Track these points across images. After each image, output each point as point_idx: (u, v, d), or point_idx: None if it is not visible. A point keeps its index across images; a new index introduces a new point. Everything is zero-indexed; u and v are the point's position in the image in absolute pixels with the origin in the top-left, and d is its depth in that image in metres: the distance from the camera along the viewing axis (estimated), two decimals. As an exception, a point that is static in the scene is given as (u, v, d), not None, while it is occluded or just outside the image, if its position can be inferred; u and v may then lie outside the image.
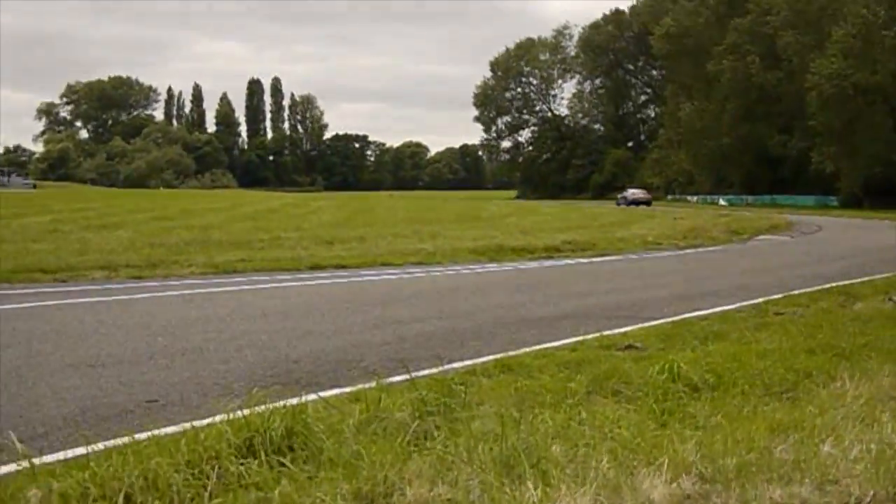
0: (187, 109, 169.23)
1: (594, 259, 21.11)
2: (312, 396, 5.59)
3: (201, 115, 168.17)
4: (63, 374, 7.25)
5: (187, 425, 4.84)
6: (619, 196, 77.51)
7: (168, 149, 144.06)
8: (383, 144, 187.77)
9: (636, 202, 70.99)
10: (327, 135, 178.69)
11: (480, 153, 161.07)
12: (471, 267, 18.50)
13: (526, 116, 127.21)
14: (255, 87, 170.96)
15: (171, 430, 5.23)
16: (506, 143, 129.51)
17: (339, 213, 40.96)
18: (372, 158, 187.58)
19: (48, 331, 9.34)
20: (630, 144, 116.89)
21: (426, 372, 7.06)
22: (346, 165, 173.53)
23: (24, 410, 6.13)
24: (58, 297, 12.34)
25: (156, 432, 4.72)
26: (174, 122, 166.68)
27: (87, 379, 7.10)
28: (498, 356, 7.86)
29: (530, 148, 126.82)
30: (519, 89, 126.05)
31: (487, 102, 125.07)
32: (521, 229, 29.31)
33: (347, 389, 6.51)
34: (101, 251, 18.19)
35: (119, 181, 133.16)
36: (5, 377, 7.10)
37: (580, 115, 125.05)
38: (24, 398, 6.46)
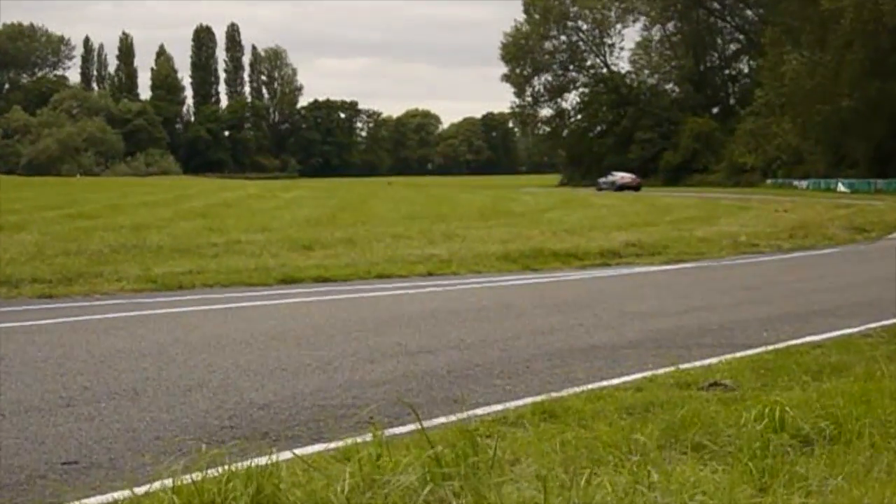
0: (112, 68, 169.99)
1: (666, 266, 21.12)
2: (287, 455, 5.62)
3: (131, 76, 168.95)
4: (-51, 428, 7.31)
5: (118, 495, 4.89)
6: (601, 180, 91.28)
7: (86, 122, 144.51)
8: (379, 114, 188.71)
9: (625, 187, 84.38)
10: (302, 102, 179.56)
11: (511, 124, 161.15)
12: (498, 278, 18.53)
13: (573, 74, 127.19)
14: (204, 38, 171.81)
15: (95, 501, 5.28)
16: (545, 111, 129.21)
17: (320, 208, 41.13)
18: (363, 133, 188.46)
19: (-72, 369, 9.42)
20: (715, 111, 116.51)
21: (440, 420, 7.09)
22: (328, 143, 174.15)
23: None
24: (-60, 323, 12.43)
25: (76, 504, 4.77)
26: (94, 85, 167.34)
27: (-18, 433, 7.16)
28: (537, 399, 7.87)
29: (578, 117, 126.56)
30: (563, 37, 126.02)
31: (520, 56, 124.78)
32: (567, 227, 29.36)
33: (334, 445, 6.54)
34: (-2, 261, 18.29)
35: (20, 166, 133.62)
36: None
37: (647, 71, 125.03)
38: None
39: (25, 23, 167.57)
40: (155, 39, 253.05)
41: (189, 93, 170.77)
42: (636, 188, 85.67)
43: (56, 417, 7.64)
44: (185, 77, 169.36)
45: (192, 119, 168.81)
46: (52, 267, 17.63)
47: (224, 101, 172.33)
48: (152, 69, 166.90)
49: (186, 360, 9.96)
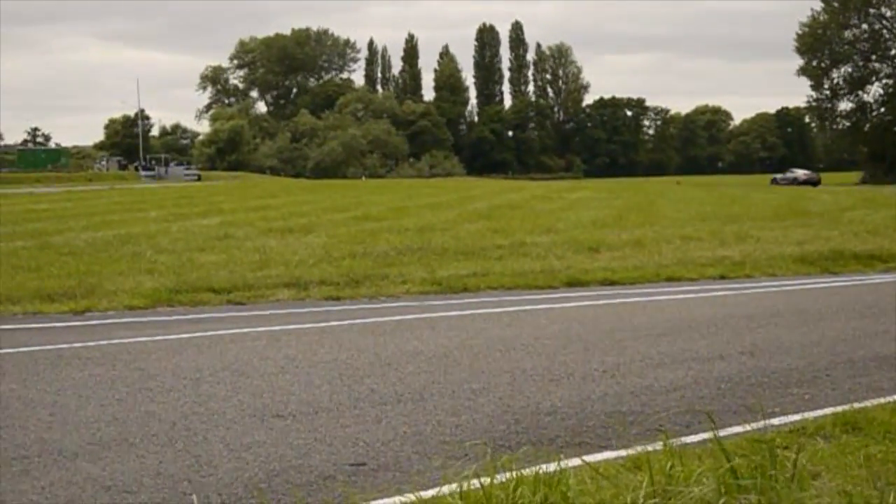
0: (396, 70, 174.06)
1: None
2: (575, 462, 5.63)
3: (415, 77, 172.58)
4: (241, 427, 7.65)
5: (405, 498, 4.99)
6: (778, 177, 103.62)
7: (371, 124, 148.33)
8: (667, 111, 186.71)
9: (806, 182, 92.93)
10: (587, 100, 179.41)
11: (807, 119, 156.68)
12: (794, 281, 18.09)
13: (875, 65, 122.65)
14: (487, 37, 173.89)
15: (382, 503, 5.41)
16: (844, 105, 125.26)
17: (606, 209, 40.99)
18: (650, 131, 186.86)
19: (221, 368, 9.89)
20: None
21: (734, 430, 6.99)
22: (614, 142, 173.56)
23: (194, 473, 6.52)
24: (232, 324, 13.02)
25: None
26: (378, 87, 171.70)
27: (274, 433, 7.46)
28: (838, 409, 7.69)
29: (882, 110, 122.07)
30: (865, 26, 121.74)
31: (818, 47, 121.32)
32: (870, 228, 28.34)
33: (623, 453, 6.52)
34: (287, 263, 19.02)
35: (307, 169, 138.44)
36: (169, 428, 7.58)
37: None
38: (192, 457, 6.87)
39: (313, 28, 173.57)
40: (438, 40, 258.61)
41: (472, 93, 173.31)
42: (815, 183, 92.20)
43: (344, 419, 7.88)
44: (468, 77, 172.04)
45: (476, 119, 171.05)
46: (339, 269, 18.20)
47: (508, 101, 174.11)
48: (435, 70, 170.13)
49: (472, 363, 10.11)
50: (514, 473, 4.89)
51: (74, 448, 7.09)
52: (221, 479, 6.41)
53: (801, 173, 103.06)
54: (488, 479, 4.80)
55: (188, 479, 6.40)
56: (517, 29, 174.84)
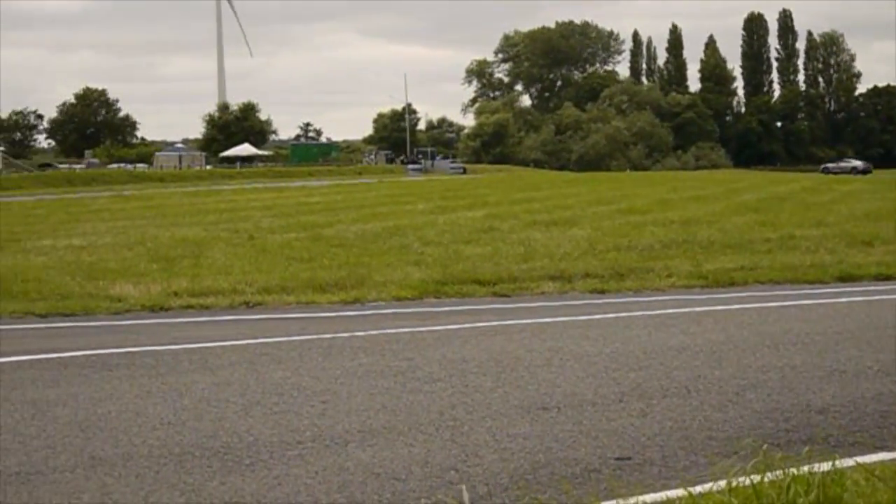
0: (661, 61, 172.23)
1: None
2: (848, 462, 5.46)
3: (680, 68, 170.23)
4: (507, 418, 7.71)
5: (673, 493, 4.94)
6: (829, 165, 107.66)
7: (635, 116, 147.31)
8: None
9: (864, 171, 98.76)
10: (860, 89, 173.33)
11: None
12: None
13: None
14: (755, 26, 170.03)
15: (649, 498, 5.36)
16: None
17: (881, 201, 39.56)
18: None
19: (486, 360, 9.99)
20: None
21: None
22: (888, 132, 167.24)
23: (460, 462, 6.60)
24: (497, 315, 13.15)
25: (630, 501, 4.86)
26: (643, 79, 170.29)
27: (538, 425, 7.50)
28: None
29: None
30: None
31: None
32: None
33: (901, 454, 6.30)
34: (551, 256, 19.11)
35: (571, 162, 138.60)
36: (436, 418, 7.70)
37: None
38: (458, 446, 6.96)
39: (577, 21, 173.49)
40: (703, 30, 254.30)
41: (739, 83, 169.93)
42: (865, 172, 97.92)
43: (609, 412, 7.85)
44: (735, 67, 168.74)
45: (743, 110, 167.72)
46: (603, 262, 18.17)
47: (776, 91, 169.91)
48: (701, 60, 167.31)
49: (739, 359, 9.93)
50: (785, 472, 4.78)
51: (345, 435, 7.28)
52: (487, 469, 6.48)
53: (861, 164, 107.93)
54: (758, 477, 4.71)
55: (455, 468, 6.49)
56: (786, 17, 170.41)
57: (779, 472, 4.79)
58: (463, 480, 6.19)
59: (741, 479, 4.76)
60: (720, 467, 5.12)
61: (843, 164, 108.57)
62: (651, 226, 25.86)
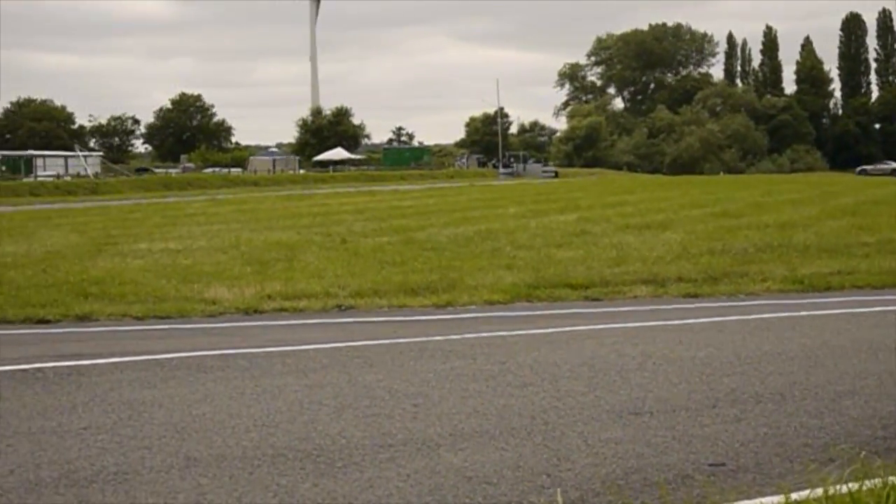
0: (755, 63, 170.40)
1: None
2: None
3: (775, 70, 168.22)
4: (599, 423, 7.69)
5: (767, 500, 4.89)
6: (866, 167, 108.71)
7: (729, 118, 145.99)
8: None
9: None
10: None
11: None
12: None
13: None
14: (853, 28, 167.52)
15: (744, 505, 5.32)
16: None
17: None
18: None
19: (578, 364, 9.96)
20: None
21: None
22: None
23: (552, 467, 6.59)
24: (589, 319, 13.11)
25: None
26: (737, 81, 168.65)
27: (631, 430, 7.46)
28: None
29: None
30: None
31: None
32: None
33: None
34: (644, 260, 19.01)
35: (664, 165, 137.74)
36: (528, 422, 7.69)
37: None
38: (550, 451, 6.95)
39: (670, 23, 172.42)
40: (799, 31, 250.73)
41: (836, 85, 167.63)
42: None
43: (702, 418, 7.79)
44: (831, 69, 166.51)
45: (840, 112, 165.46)
46: (697, 266, 18.04)
47: (875, 93, 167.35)
48: (797, 62, 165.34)
49: (836, 364, 9.80)
50: (884, 480, 4.70)
51: (437, 438, 7.30)
52: (579, 473, 6.46)
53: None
54: (856, 485, 4.64)
55: (547, 472, 6.48)
56: (885, 17, 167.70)
57: (877, 481, 4.72)
58: (555, 485, 6.18)
59: (838, 486, 4.69)
60: (816, 474, 5.05)
61: (881, 167, 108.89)
62: (745, 229, 25.61)
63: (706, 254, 19.89)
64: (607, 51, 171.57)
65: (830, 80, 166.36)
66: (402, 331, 12.36)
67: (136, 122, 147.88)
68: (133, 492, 6.22)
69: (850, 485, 4.67)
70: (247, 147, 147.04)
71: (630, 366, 9.84)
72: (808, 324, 12.64)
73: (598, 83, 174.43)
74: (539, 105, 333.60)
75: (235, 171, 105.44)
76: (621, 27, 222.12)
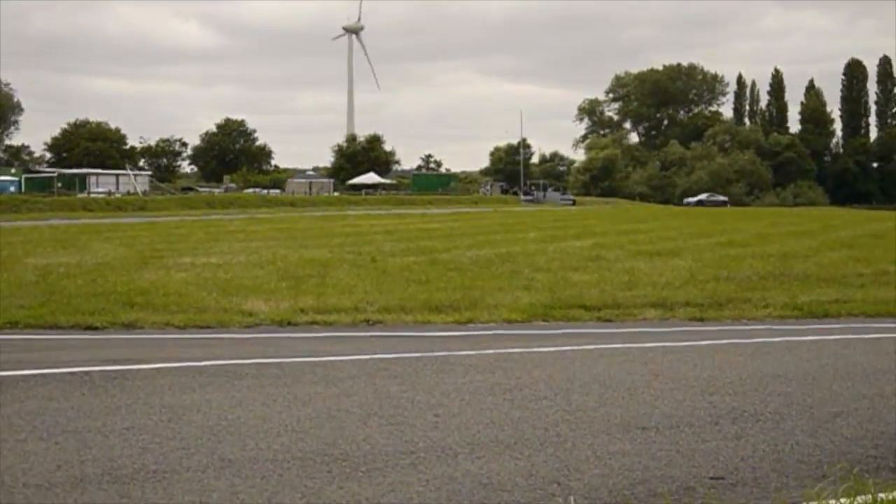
0: (763, 103, 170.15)
1: None
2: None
3: (781, 110, 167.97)
4: (608, 436, 7.67)
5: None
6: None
7: (737, 154, 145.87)
8: None
9: None
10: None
11: None
12: None
13: None
14: (855, 73, 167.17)
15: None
16: None
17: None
18: None
19: (590, 381, 9.94)
20: None
21: None
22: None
23: (563, 476, 6.58)
24: (601, 339, 13.09)
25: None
26: (745, 119, 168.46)
27: (638, 444, 7.44)
28: None
29: None
30: None
31: None
32: None
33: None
34: (654, 285, 18.97)
35: (674, 196, 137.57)
36: (541, 434, 7.68)
37: None
38: (561, 461, 6.94)
39: (684, 63, 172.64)
40: (804, 74, 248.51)
41: (838, 125, 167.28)
42: None
43: (704, 434, 7.76)
44: (833, 110, 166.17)
45: (841, 151, 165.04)
46: (703, 291, 18.00)
47: (874, 133, 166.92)
48: (802, 103, 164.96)
49: (831, 386, 9.75)
50: (875, 496, 4.68)
51: (455, 447, 7.29)
52: (588, 483, 6.44)
53: None
54: (848, 500, 4.62)
55: (557, 481, 6.47)
56: (885, 63, 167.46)
57: (868, 497, 4.69)
58: (565, 493, 6.17)
59: (832, 501, 4.67)
60: (813, 491, 5.03)
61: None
62: (750, 258, 25.53)
63: (712, 280, 19.84)
64: (624, 88, 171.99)
65: (832, 121, 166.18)
66: (426, 345, 12.36)
67: (184, 144, 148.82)
68: (171, 489, 6.23)
69: (843, 500, 4.65)
70: (285, 170, 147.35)
71: (638, 383, 9.81)
72: (806, 348, 12.57)
73: (615, 118, 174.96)
74: (559, 137, 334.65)
75: (274, 192, 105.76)
76: (639, 66, 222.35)
